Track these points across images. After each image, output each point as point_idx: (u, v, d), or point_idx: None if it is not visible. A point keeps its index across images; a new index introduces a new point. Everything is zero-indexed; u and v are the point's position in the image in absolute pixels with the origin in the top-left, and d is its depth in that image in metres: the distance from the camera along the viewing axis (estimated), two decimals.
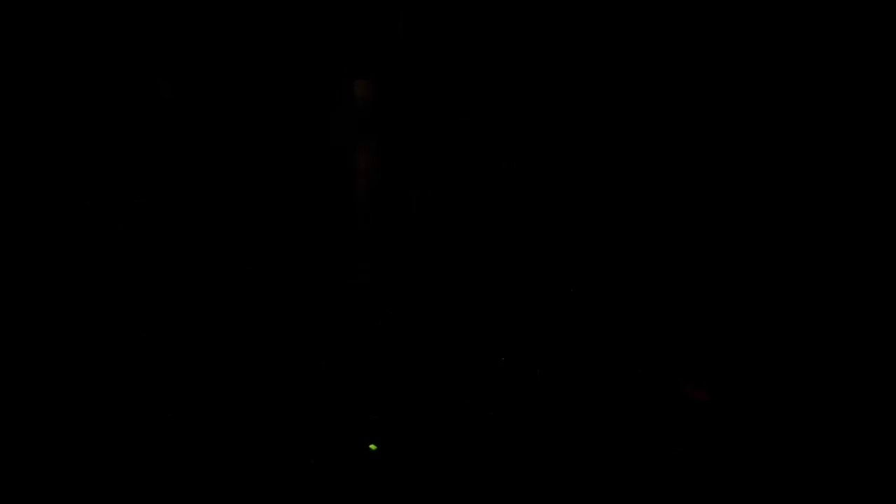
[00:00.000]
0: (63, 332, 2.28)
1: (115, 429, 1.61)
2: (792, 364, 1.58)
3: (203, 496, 1.35)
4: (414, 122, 1.80)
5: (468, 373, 1.69)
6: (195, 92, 1.97)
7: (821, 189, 1.40)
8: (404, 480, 1.46)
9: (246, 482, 1.22)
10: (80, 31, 2.19)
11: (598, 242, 1.78)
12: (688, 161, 1.70)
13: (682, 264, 1.64)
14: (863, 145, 1.33)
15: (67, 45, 2.21)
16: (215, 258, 2.20)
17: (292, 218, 1.93)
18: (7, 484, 1.91)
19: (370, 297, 1.83)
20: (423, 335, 1.75)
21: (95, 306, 2.30)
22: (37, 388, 2.16)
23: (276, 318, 1.81)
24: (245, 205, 2.26)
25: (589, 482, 1.48)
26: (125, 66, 2.12)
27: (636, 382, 1.64)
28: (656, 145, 1.68)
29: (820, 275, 1.43)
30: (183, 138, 2.05)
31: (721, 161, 1.67)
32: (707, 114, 1.66)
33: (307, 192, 2.19)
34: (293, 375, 1.69)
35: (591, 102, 1.78)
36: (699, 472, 1.49)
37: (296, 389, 1.66)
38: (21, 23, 2.19)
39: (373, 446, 0.96)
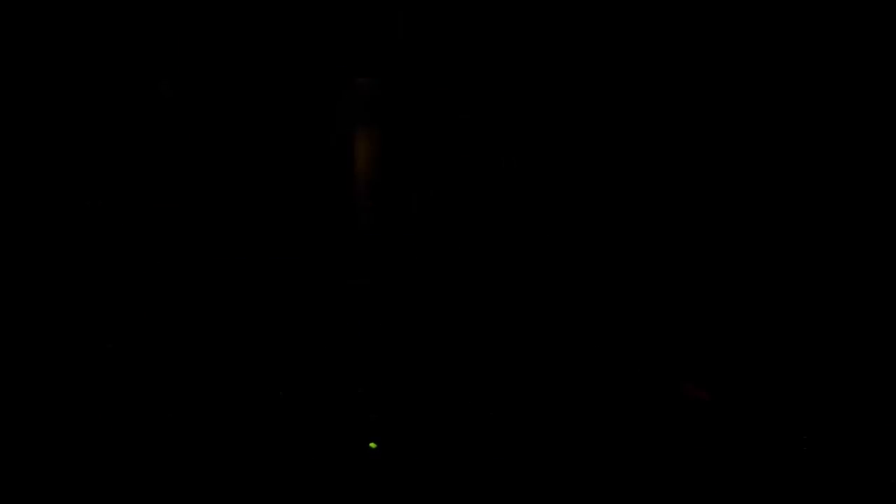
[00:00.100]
0: (62, 330, 2.28)
1: (116, 427, 1.61)
2: (792, 364, 1.58)
3: (203, 495, 1.35)
4: (414, 119, 1.80)
5: (468, 372, 1.69)
6: (195, 91, 1.97)
7: (820, 190, 1.40)
8: (404, 479, 1.46)
9: (246, 480, 1.22)
10: (80, 30, 2.19)
11: (598, 242, 1.78)
12: (688, 161, 1.70)
13: (682, 264, 1.64)
14: (861, 146, 1.34)
15: (68, 45, 2.21)
16: (216, 257, 2.20)
17: (292, 216, 1.93)
18: (7, 484, 1.91)
19: (370, 297, 1.83)
20: (423, 334, 1.75)
21: (95, 306, 2.30)
22: (36, 386, 2.16)
23: (276, 317, 1.81)
24: (245, 204, 2.26)
25: (589, 482, 1.48)
26: (125, 66, 2.12)
27: (636, 382, 1.64)
28: (657, 144, 1.68)
29: (819, 275, 1.43)
30: (183, 138, 2.05)
31: (721, 161, 1.67)
32: (706, 114, 1.66)
33: (306, 191, 2.19)
34: (293, 374, 1.69)
35: (591, 102, 1.79)
36: (699, 472, 1.49)
37: (296, 388, 1.66)
38: (22, 22, 2.19)
39: (373, 445, 0.96)
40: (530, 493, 1.49)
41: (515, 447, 1.56)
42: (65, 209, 2.29)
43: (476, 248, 1.83)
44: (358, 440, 1.52)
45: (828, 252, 1.41)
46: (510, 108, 1.71)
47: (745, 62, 1.52)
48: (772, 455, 1.52)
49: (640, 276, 1.76)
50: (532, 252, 1.82)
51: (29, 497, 1.87)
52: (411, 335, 1.77)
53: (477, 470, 1.51)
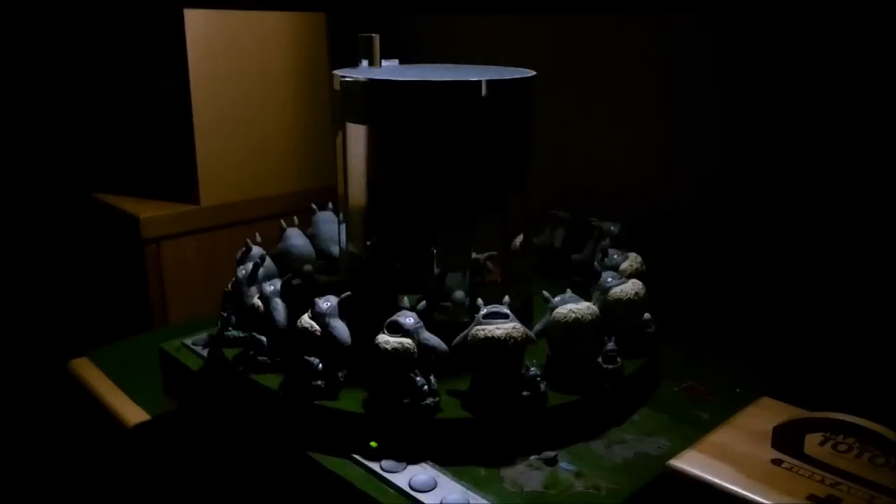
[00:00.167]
0: (63, 329, 2.27)
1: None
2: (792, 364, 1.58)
3: (204, 494, 1.34)
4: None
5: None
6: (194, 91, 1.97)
7: (821, 187, 1.40)
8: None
9: (247, 479, 1.22)
10: (80, 30, 2.18)
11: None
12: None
13: (683, 263, 1.64)
14: (859, 146, 1.34)
15: (68, 45, 2.21)
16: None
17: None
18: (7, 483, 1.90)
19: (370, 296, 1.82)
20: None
21: (94, 306, 2.29)
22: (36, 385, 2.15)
23: None
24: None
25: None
26: (126, 66, 2.11)
27: None
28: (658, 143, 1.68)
29: (819, 275, 1.44)
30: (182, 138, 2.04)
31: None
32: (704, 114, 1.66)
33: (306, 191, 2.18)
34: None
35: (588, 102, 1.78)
36: None
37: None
38: (22, 22, 2.18)
39: (373, 443, 0.96)
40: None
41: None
42: (64, 209, 2.29)
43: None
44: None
45: (827, 252, 1.41)
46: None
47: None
48: None
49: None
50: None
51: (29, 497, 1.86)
52: None
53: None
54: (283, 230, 1.43)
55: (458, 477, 0.96)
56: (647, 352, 1.18)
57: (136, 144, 2.17)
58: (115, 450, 1.56)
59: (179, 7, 1.87)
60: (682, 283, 1.51)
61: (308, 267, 1.29)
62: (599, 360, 1.08)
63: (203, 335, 1.36)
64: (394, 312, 1.04)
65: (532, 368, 1.03)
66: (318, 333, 1.05)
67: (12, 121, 2.24)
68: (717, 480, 0.87)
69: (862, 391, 1.29)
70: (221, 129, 1.99)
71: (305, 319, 1.06)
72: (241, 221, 2.03)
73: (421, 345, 1.00)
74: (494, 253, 1.21)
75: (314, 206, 1.51)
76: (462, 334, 1.04)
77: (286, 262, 1.35)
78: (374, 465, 0.98)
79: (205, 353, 1.31)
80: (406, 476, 0.95)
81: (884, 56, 1.24)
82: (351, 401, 1.06)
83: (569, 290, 1.12)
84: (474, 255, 1.19)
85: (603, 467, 0.99)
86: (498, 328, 0.99)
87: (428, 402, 1.00)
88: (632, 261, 1.25)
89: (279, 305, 1.14)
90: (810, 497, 0.83)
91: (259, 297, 1.16)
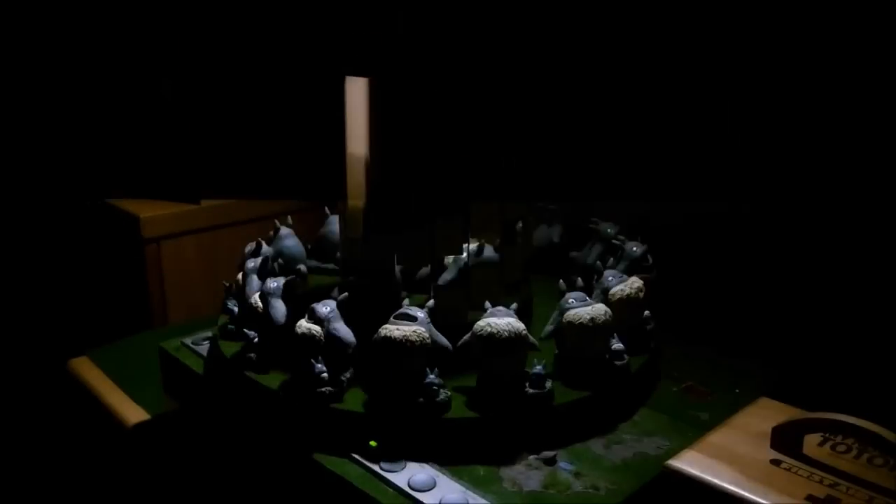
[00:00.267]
0: (62, 329, 2.27)
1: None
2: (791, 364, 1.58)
3: (205, 493, 1.34)
4: (414, 116, 1.80)
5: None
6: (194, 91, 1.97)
7: (820, 188, 1.40)
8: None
9: (247, 478, 1.22)
10: (80, 30, 2.18)
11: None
12: (688, 160, 1.70)
13: (682, 264, 1.64)
14: (860, 146, 1.34)
15: (68, 45, 2.21)
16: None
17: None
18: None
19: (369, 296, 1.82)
20: None
21: (94, 305, 2.29)
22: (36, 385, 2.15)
23: None
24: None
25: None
26: (126, 66, 2.11)
27: None
28: (658, 143, 1.68)
29: (820, 275, 1.44)
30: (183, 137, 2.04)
31: (721, 160, 1.67)
32: (706, 114, 1.66)
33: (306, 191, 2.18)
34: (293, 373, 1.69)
35: (592, 100, 1.78)
36: None
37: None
38: (22, 22, 2.18)
39: (373, 443, 0.96)
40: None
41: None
42: (64, 209, 2.29)
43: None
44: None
45: (827, 252, 1.41)
46: (511, 106, 1.71)
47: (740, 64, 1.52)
48: None
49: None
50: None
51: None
52: None
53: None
54: (277, 230, 1.43)
55: (458, 476, 0.96)
56: (648, 349, 1.19)
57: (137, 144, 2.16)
58: (116, 449, 1.56)
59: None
60: (683, 282, 1.52)
61: (302, 267, 1.29)
62: (607, 357, 1.09)
63: (203, 334, 1.37)
64: (394, 309, 1.05)
65: (538, 367, 1.03)
66: (321, 338, 1.05)
67: (12, 121, 2.24)
68: (716, 481, 0.87)
69: (862, 391, 1.29)
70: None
71: (304, 325, 1.06)
72: (241, 221, 2.03)
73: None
74: (522, 219, 1.22)
75: (327, 210, 1.51)
76: (464, 337, 1.04)
77: (278, 263, 1.35)
78: (374, 466, 0.98)
79: (205, 351, 1.31)
80: (405, 476, 0.95)
81: None
82: (352, 400, 1.06)
83: (576, 290, 1.13)
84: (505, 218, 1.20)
85: (602, 467, 0.99)
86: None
87: (441, 397, 1.01)
88: (628, 285, 1.19)
89: (279, 304, 1.14)
90: (809, 497, 0.83)
91: (259, 296, 1.16)
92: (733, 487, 0.85)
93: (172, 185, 2.06)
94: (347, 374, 1.07)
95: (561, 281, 1.16)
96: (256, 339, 1.13)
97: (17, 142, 2.27)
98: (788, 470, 0.88)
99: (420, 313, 1.02)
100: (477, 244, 1.20)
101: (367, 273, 1.21)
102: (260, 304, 1.14)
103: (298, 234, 1.47)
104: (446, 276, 1.19)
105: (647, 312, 1.19)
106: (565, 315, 1.08)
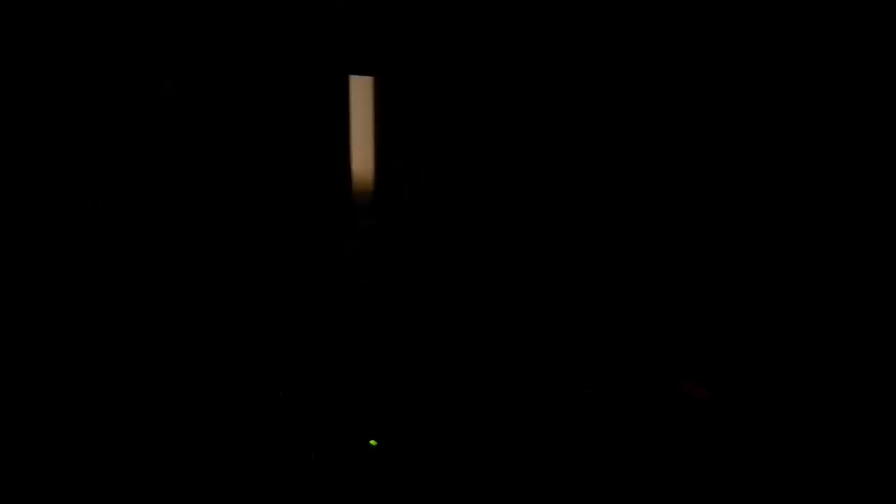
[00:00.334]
0: (61, 329, 2.28)
1: (118, 428, 1.60)
2: (791, 363, 1.58)
3: (205, 493, 1.35)
4: (413, 116, 1.80)
5: (468, 371, 1.69)
6: (195, 91, 1.97)
7: (819, 190, 1.40)
8: (404, 477, 1.46)
9: (247, 478, 1.22)
10: (81, 30, 2.19)
11: (598, 241, 1.78)
12: (688, 159, 1.70)
13: (682, 263, 1.64)
14: (858, 147, 1.34)
15: (69, 45, 2.21)
16: (217, 256, 2.20)
17: (292, 215, 1.93)
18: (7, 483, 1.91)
19: (370, 296, 1.83)
20: (424, 333, 1.75)
21: (94, 305, 2.30)
22: (36, 386, 2.16)
23: (276, 317, 1.81)
24: (245, 203, 2.26)
25: (588, 480, 1.48)
26: (126, 66, 2.12)
27: (636, 381, 1.64)
28: (658, 144, 1.68)
29: (818, 275, 1.44)
30: (182, 138, 2.05)
31: (721, 161, 1.67)
32: (706, 114, 1.66)
33: (305, 191, 2.19)
34: (293, 374, 1.69)
35: (591, 100, 1.79)
36: (698, 471, 1.48)
37: (295, 388, 1.66)
38: (23, 22, 2.19)
39: (373, 442, 0.96)
40: (530, 492, 1.49)
41: (515, 446, 1.55)
42: (64, 209, 2.29)
43: (477, 247, 1.83)
44: (358, 438, 1.52)
45: (826, 252, 1.42)
46: (511, 105, 1.71)
47: (745, 63, 1.52)
48: (771, 454, 1.52)
49: (641, 276, 1.76)
50: (533, 251, 1.82)
51: (29, 497, 1.86)
52: (411, 334, 1.77)
53: (477, 468, 1.51)
54: None
55: None
56: None
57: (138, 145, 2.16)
58: None
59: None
60: (682, 282, 1.51)
61: None
62: None
63: None
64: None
65: None
66: None
67: (12, 121, 2.23)
68: None
69: (862, 391, 1.29)
70: None
71: None
72: None
73: None
74: None
75: None
76: None
77: None
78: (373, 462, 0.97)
79: None
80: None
81: None
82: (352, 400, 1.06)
83: None
84: None
85: None
86: None
87: None
88: None
89: None
90: None
91: None
92: None
93: None
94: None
95: None
96: None
97: (14, 140, 2.26)
98: None
99: None
100: None
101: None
102: None
103: None
104: None
105: None
106: None
